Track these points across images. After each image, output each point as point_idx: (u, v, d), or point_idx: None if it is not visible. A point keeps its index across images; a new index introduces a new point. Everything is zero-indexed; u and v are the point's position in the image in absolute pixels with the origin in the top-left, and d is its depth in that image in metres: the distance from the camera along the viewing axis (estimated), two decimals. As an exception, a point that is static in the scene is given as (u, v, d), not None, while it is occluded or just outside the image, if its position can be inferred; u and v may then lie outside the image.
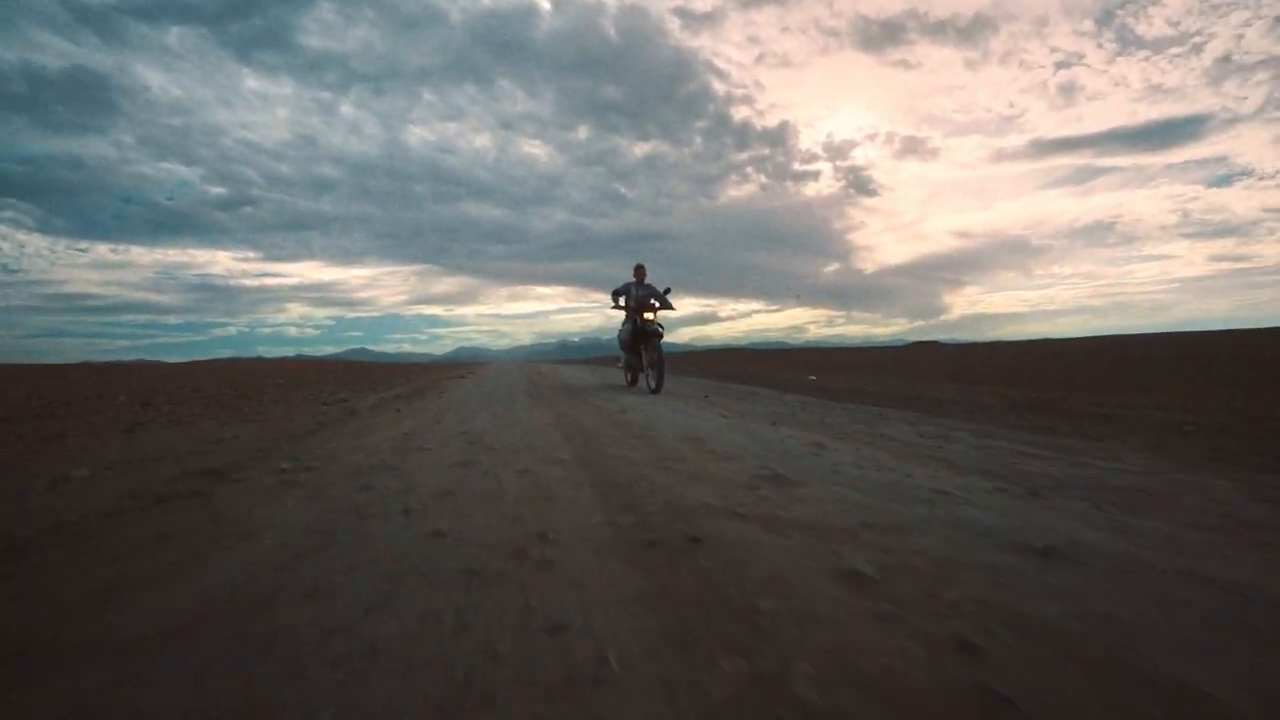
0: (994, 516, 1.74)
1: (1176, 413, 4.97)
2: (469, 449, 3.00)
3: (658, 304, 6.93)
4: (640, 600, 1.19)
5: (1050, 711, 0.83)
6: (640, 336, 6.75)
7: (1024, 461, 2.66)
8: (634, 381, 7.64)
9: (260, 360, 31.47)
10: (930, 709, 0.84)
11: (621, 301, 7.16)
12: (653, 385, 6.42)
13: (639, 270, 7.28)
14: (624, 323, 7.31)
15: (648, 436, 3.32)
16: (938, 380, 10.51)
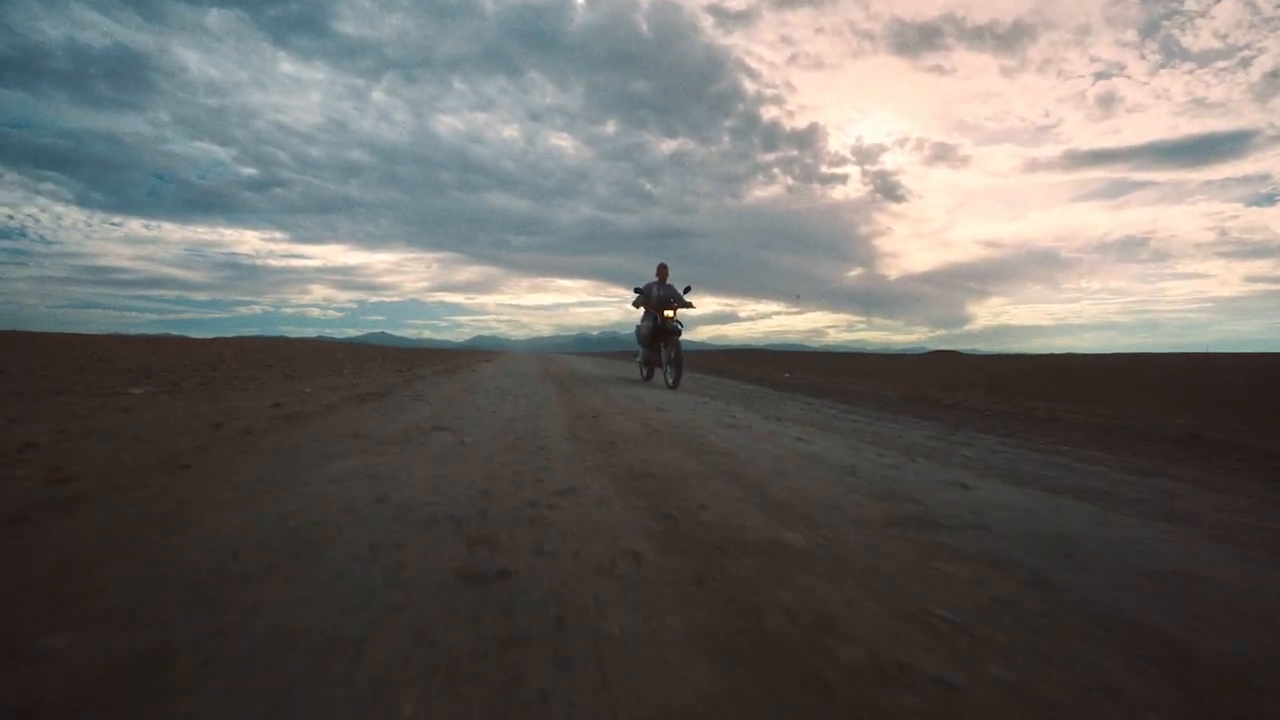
0: (740, 421, 4.13)
1: (1021, 410, 7.17)
2: (502, 394, 5.50)
3: (677, 303, 7.49)
4: (568, 428, 3.63)
5: (666, 435, 3.24)
6: (660, 333, 7.31)
7: (837, 422, 4.95)
8: (649, 376, 8.14)
9: (285, 339, 34.40)
10: (635, 436, 3.25)
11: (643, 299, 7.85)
12: (670, 382, 6.88)
13: (662, 269, 7.87)
14: (644, 319, 7.89)
15: (608, 393, 5.79)
16: (899, 382, 12.66)
